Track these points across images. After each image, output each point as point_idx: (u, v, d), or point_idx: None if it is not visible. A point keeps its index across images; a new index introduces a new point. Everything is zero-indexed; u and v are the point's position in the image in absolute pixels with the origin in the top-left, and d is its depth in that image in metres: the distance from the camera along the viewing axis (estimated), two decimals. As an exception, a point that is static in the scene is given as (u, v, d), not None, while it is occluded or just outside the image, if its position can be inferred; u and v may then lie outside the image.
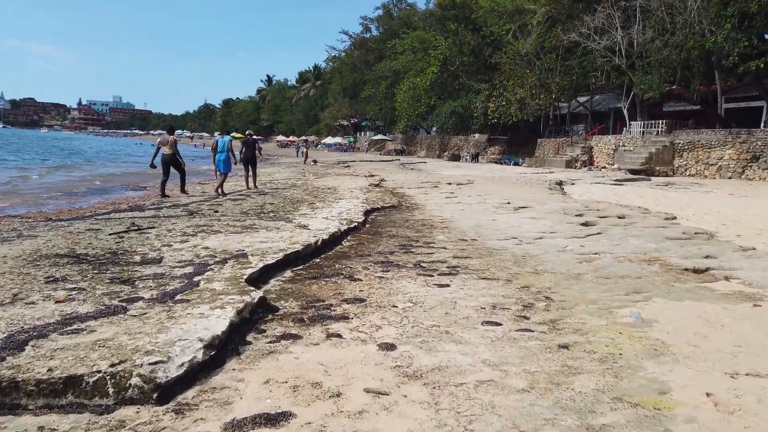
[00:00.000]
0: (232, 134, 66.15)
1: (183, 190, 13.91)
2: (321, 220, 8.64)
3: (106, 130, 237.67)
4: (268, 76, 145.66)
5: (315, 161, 36.17)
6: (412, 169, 32.79)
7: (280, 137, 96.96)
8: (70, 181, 19.13)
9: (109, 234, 6.96)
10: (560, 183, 19.58)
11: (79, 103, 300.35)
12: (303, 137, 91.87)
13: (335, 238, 7.22)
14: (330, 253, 6.57)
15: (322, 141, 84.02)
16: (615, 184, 20.59)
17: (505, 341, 3.63)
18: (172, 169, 12.93)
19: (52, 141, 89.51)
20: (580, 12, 36.68)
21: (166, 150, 13.07)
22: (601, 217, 10.20)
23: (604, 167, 34.14)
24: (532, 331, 3.85)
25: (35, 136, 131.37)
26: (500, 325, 3.97)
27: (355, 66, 72.11)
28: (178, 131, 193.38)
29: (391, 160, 44.24)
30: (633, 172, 27.31)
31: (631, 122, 34.69)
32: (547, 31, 38.05)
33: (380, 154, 63.08)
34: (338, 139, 79.67)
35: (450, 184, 18.14)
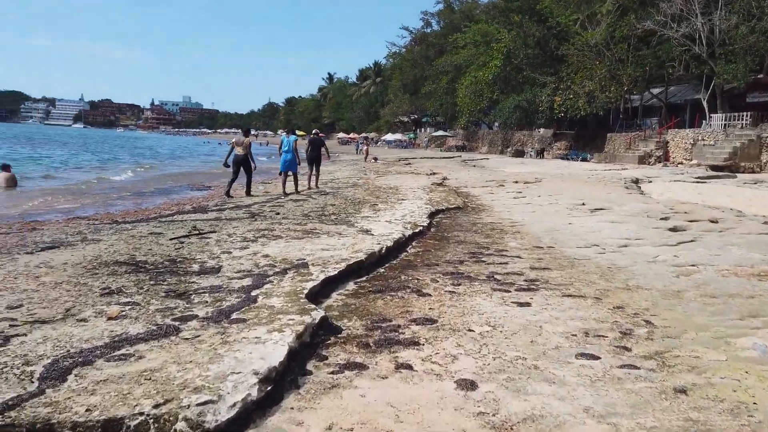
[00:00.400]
0: (296, 132, 67.03)
1: (248, 193, 13.79)
2: (384, 224, 8.21)
3: (176, 129, 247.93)
4: (329, 73, 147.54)
5: (375, 159, 35.96)
6: (474, 166, 31.95)
7: (341, 134, 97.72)
8: (139, 181, 19.67)
9: (170, 239, 6.81)
10: (636, 181, 18.34)
11: (152, 104, 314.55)
12: (363, 134, 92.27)
13: (400, 245, 6.76)
14: (395, 262, 6.12)
15: (382, 138, 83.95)
16: (697, 182, 19.10)
17: (607, 382, 3.05)
18: (241, 171, 12.94)
19: (127, 140, 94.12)
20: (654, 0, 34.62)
21: (239, 150, 13.02)
22: (690, 221, 9.25)
23: (681, 163, 32.10)
24: (638, 368, 3.25)
25: (112, 135, 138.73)
26: (598, 358, 3.39)
27: (416, 61, 71.49)
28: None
29: (453, 157, 43.43)
30: (715, 168, 25.38)
31: (712, 115, 32.40)
32: (617, 20, 36.15)
33: (441, 150, 62.24)
34: (398, 136, 79.34)
35: (516, 182, 17.33)
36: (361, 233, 7.30)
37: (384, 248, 6.23)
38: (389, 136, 79.85)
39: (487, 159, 41.07)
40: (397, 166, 28.89)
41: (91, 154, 44.68)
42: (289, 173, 14.13)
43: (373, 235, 7.15)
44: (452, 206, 11.19)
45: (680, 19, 27.79)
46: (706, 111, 32.65)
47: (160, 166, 31.57)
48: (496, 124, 60.53)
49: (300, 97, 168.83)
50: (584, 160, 39.72)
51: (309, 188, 14.82)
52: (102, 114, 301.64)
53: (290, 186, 14.22)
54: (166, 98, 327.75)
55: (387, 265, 5.93)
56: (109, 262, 5.47)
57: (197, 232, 7.27)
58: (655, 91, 38.41)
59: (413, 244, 7.22)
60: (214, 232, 7.39)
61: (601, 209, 10.77)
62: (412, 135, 78.75)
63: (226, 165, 13.60)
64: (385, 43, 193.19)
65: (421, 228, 8.10)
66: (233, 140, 13.33)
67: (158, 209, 11.14)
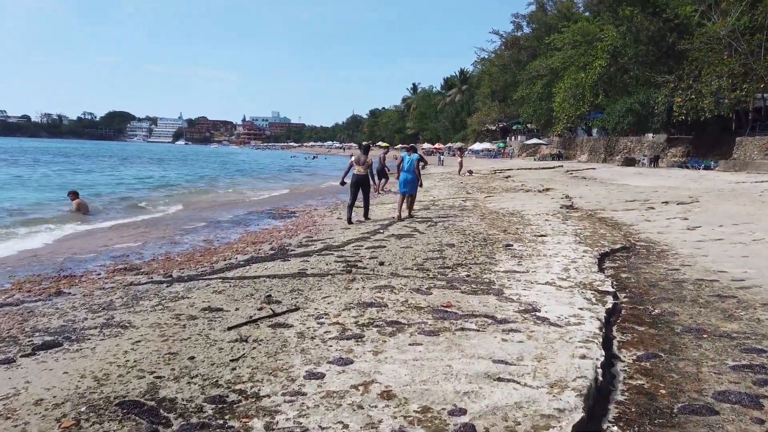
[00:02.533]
0: (379, 143, 65.31)
1: (366, 216, 12.25)
2: (549, 291, 5.34)
3: (265, 144, 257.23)
4: (413, 84, 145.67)
5: (470, 172, 32.90)
6: (584, 177, 28.12)
7: (426, 145, 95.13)
8: (218, 205, 17.91)
9: (228, 328, 4.33)
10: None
11: (243, 120, 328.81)
12: (449, 144, 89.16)
13: (609, 353, 3.86)
14: (620, 397, 3.24)
15: (469, 147, 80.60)
16: None
17: None
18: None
19: (218, 156, 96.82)
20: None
21: (359, 170, 11.75)
22: None
23: (840, 170, 26.63)
24: None
25: (206, 151, 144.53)
26: None
27: (506, 66, 67.71)
28: (328, 142, 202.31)
29: (554, 167, 39.44)
30: None
31: None
32: (750, 7, 31.08)
33: (535, 159, 58.02)
34: (486, 145, 75.63)
35: (666, 203, 13.76)
36: (530, 318, 4.45)
37: (596, 368, 3.36)
38: (477, 146, 76.28)
39: (594, 169, 36.79)
40: (497, 181, 25.73)
41: (188, 171, 44.85)
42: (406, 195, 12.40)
43: (553, 323, 4.28)
44: (615, 246, 8.09)
45: None
46: None
47: (242, 185, 30.29)
48: (594, 130, 55.61)
49: (383, 108, 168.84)
50: (707, 168, 34.66)
51: (402, 216, 12.16)
52: (198, 131, 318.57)
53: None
54: (256, 114, 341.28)
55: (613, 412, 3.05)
56: (105, 404, 3.01)
57: (271, 311, 4.74)
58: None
59: (615, 334, 4.31)
60: (297, 309, 4.84)
61: None
62: (501, 144, 74.77)
63: (342, 183, 12.72)
64: (473, 48, 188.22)
65: (609, 298, 5.15)
66: (352, 158, 12.05)
67: (231, 250, 8.87)
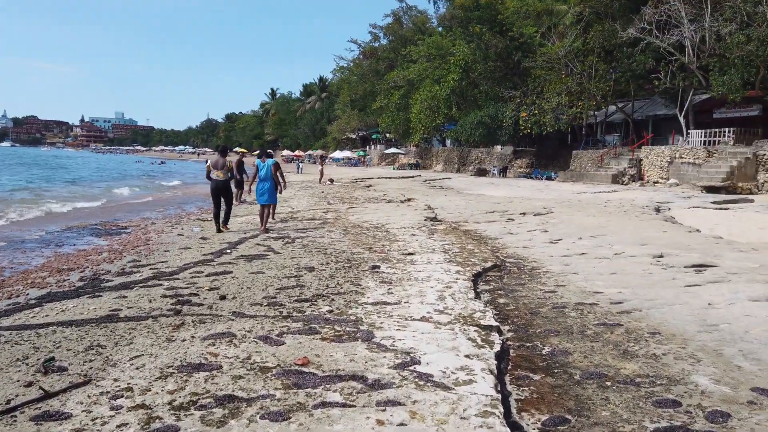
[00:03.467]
0: (236, 149, 62.06)
1: (224, 225, 11.24)
2: (427, 330, 4.42)
3: (107, 147, 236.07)
4: (272, 89, 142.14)
5: (332, 180, 32.03)
6: (442, 187, 28.67)
7: (286, 152, 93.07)
8: (29, 220, 14.96)
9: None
10: (658, 209, 15.34)
11: (82, 120, 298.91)
12: (309, 151, 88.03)
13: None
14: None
15: (330, 155, 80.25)
16: (720, 209, 16.32)
17: None
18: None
19: (45, 159, 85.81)
20: (618, 12, 32.86)
21: (218, 175, 10.90)
22: None
23: (657, 182, 30.04)
24: None
25: (33, 154, 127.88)
26: None
27: (365, 76, 68.31)
28: (180, 147, 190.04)
29: (413, 177, 40.10)
30: (710, 189, 23.05)
31: (689, 131, 30.58)
32: (583, 32, 34.19)
33: (393, 168, 59.11)
34: (347, 153, 75.78)
35: (524, 214, 13.92)
36: (410, 377, 3.44)
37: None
38: (337, 154, 76.14)
39: (449, 179, 38.01)
40: (359, 190, 25.12)
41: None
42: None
43: (439, 384, 3.31)
44: (486, 264, 7.52)
45: (664, 26, 25.63)
46: (683, 126, 30.86)
47: (68, 193, 26.41)
48: (448, 141, 58.04)
49: (241, 113, 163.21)
50: (549, 179, 37.49)
51: (262, 227, 11.00)
52: (27, 131, 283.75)
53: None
54: (98, 114, 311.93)
55: None
56: None
57: (42, 391, 3.22)
58: (621, 105, 36.59)
59: (509, 388, 3.48)
60: (86, 382, 3.36)
61: (703, 266, 7.37)
62: (362, 153, 75.34)
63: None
64: (332, 56, 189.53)
65: (495, 336, 4.36)
66: (208, 162, 11.30)
67: (25, 280, 6.86)
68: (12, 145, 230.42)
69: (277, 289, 5.90)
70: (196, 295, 5.66)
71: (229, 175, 11.35)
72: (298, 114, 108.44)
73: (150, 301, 5.37)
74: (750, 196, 20.28)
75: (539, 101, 35.23)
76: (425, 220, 12.61)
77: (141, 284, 6.23)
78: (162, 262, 7.68)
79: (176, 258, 7.95)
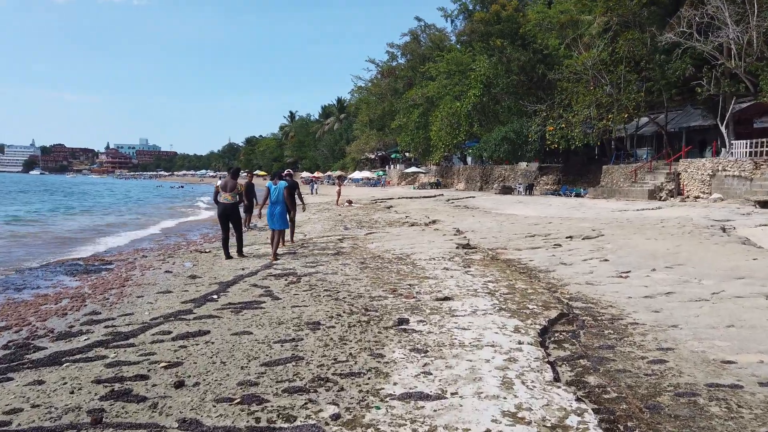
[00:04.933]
0: (256, 172, 61.03)
1: (240, 252, 10.79)
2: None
3: (131, 173, 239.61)
4: (290, 112, 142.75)
5: (350, 202, 30.34)
6: (467, 207, 26.76)
7: (305, 173, 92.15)
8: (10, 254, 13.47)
9: None
10: (724, 229, 13.26)
11: (107, 147, 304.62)
12: (329, 173, 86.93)
13: None
14: None
15: (349, 176, 79.04)
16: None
17: None
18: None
19: (68, 186, 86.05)
20: (647, 20, 30.97)
21: (225, 197, 10.23)
22: None
23: (698, 197, 27.70)
24: None
25: (59, 181, 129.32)
26: None
27: (383, 95, 67.02)
28: (201, 171, 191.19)
29: (435, 196, 38.24)
30: (765, 204, 20.80)
31: (732, 141, 28.28)
32: (611, 41, 32.29)
33: (414, 188, 57.38)
34: (366, 173, 74.38)
35: (571, 237, 11.97)
36: None
37: None
38: (356, 174, 74.77)
39: (474, 198, 36.07)
40: (379, 212, 23.37)
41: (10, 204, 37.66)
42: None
43: None
44: (551, 313, 5.64)
45: (708, 29, 23.63)
46: (726, 137, 28.54)
47: (64, 222, 25.10)
48: (469, 158, 56.23)
49: (261, 136, 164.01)
50: (578, 195, 35.37)
51: (273, 257, 9.80)
52: (54, 159, 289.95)
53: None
54: (122, 141, 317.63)
55: None
56: None
57: None
58: (653, 117, 34.45)
59: None
60: None
61: None
62: (382, 172, 73.87)
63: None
64: (349, 76, 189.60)
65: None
66: (218, 183, 10.70)
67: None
68: (41, 173, 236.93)
69: (262, 365, 4.10)
70: (144, 377, 3.88)
71: (238, 198, 10.45)
72: (317, 135, 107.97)
73: (71, 393, 3.61)
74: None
75: (566, 114, 33.31)
76: (457, 247, 10.74)
77: (79, 355, 4.49)
78: (126, 315, 5.94)
79: (147, 308, 6.20)
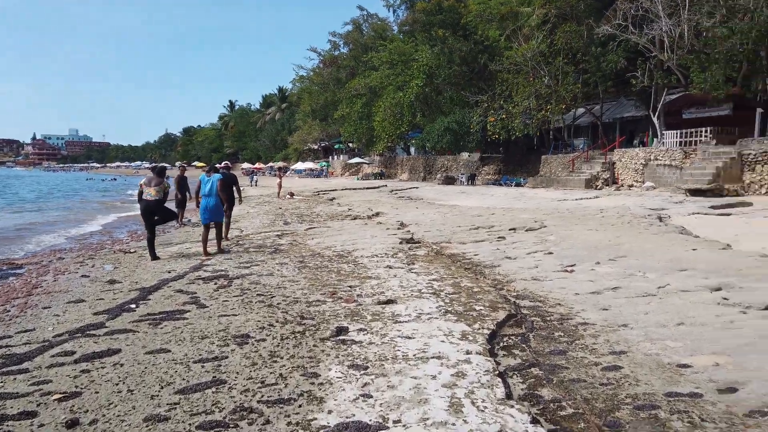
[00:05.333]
0: (194, 163, 59.33)
1: (152, 255, 9.73)
2: None
3: (60, 165, 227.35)
4: (230, 101, 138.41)
5: (292, 194, 29.53)
6: (411, 198, 26.55)
7: (246, 164, 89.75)
8: None
9: None
10: (661, 218, 13.53)
11: (33, 138, 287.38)
12: (270, 164, 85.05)
13: None
14: None
15: (292, 167, 77.65)
16: (723, 215, 14.66)
17: None
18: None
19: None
20: (584, 12, 31.64)
21: (149, 194, 9.59)
22: None
23: (632, 185, 28.68)
24: None
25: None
26: None
27: (326, 85, 65.92)
28: (137, 162, 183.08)
29: (379, 187, 37.93)
30: (695, 192, 21.58)
31: (664, 132, 29.35)
32: (549, 33, 32.80)
33: (358, 178, 56.98)
34: (309, 164, 73.25)
35: (514, 230, 11.85)
36: None
37: None
38: (299, 165, 73.53)
39: (417, 188, 36.01)
40: (321, 205, 22.76)
41: None
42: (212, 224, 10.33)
43: None
44: (498, 315, 5.34)
45: (642, 22, 24.24)
46: (658, 127, 29.60)
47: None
48: (412, 149, 56.25)
49: (199, 126, 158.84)
50: (518, 185, 35.99)
51: (210, 252, 9.28)
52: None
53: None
54: (51, 132, 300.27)
55: None
56: None
57: None
58: (590, 108, 35.35)
59: None
60: None
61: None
62: (325, 163, 72.93)
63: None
64: (291, 65, 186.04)
65: None
66: (142, 181, 10.06)
67: None
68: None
69: (176, 392, 3.54)
70: (30, 415, 3.25)
71: (163, 195, 9.70)
72: (258, 126, 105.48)
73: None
74: (746, 199, 18.78)
75: (507, 105, 33.66)
76: (400, 242, 10.37)
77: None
78: (25, 331, 5.19)
79: (51, 322, 5.47)
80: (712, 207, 16.27)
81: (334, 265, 8.20)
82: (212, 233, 10.10)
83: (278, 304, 5.86)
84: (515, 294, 6.30)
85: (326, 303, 5.84)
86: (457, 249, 9.75)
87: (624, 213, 14.21)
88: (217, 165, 12.88)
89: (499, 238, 10.82)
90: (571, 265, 7.89)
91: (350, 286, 6.56)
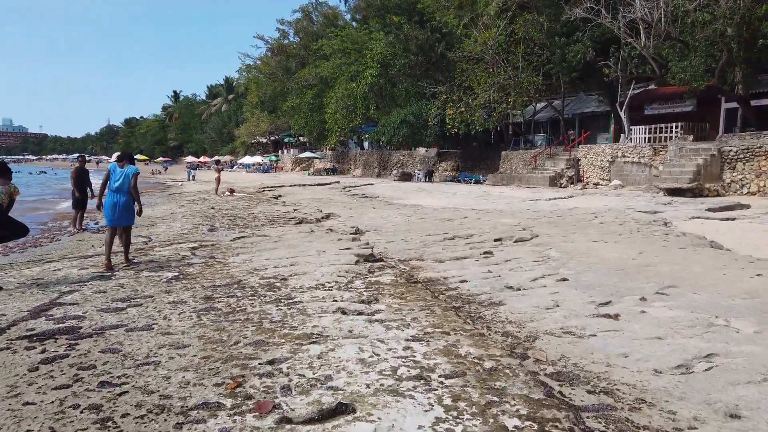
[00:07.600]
0: (137, 156, 54.51)
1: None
2: None
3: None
4: (174, 91, 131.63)
5: (232, 191, 26.25)
6: (366, 196, 23.88)
7: (190, 158, 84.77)
8: None
9: None
10: (666, 223, 11.34)
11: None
12: (216, 157, 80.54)
13: None
14: None
15: (239, 161, 73.64)
16: (727, 219, 12.65)
17: None
18: None
19: None
20: (544, 2, 29.68)
21: None
22: None
23: (598, 184, 26.98)
24: None
25: None
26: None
27: (274, 75, 62.33)
28: (75, 155, 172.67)
29: (331, 184, 35.07)
30: (674, 192, 19.83)
31: (632, 127, 27.79)
32: (510, 22, 30.76)
33: (308, 174, 53.91)
34: (257, 159, 69.54)
35: (500, 240, 9.33)
36: None
37: None
38: (247, 159, 69.74)
39: (372, 185, 33.36)
40: (263, 204, 19.74)
41: None
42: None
43: None
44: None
45: (615, 5, 22.34)
46: (624, 123, 27.99)
47: None
48: (366, 143, 53.69)
49: (142, 117, 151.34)
50: (477, 182, 34.01)
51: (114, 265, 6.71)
52: None
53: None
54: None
55: None
56: None
57: None
58: (551, 102, 33.59)
59: None
60: None
61: None
62: (274, 158, 69.29)
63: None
64: (237, 54, 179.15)
65: None
66: None
67: None
68: None
69: None
70: None
71: (9, 202, 6.76)
72: (204, 117, 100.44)
73: None
74: (738, 200, 16.99)
75: (466, 97, 31.45)
76: (356, 262, 7.63)
77: None
78: None
79: None
80: (710, 210, 14.31)
81: (256, 306, 5.39)
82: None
83: (121, 417, 3.03)
84: (553, 372, 3.69)
85: (219, 412, 3.06)
86: (434, 271, 7.11)
87: (623, 218, 11.95)
88: (132, 155, 9.78)
89: (485, 253, 8.25)
90: (605, 303, 5.39)
91: (271, 364, 3.77)
